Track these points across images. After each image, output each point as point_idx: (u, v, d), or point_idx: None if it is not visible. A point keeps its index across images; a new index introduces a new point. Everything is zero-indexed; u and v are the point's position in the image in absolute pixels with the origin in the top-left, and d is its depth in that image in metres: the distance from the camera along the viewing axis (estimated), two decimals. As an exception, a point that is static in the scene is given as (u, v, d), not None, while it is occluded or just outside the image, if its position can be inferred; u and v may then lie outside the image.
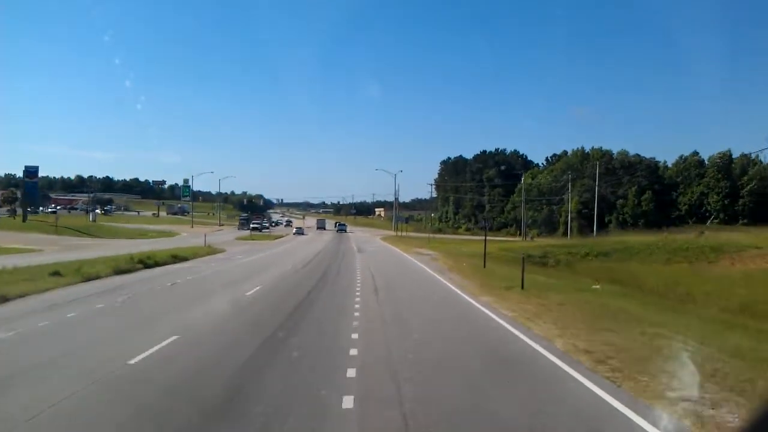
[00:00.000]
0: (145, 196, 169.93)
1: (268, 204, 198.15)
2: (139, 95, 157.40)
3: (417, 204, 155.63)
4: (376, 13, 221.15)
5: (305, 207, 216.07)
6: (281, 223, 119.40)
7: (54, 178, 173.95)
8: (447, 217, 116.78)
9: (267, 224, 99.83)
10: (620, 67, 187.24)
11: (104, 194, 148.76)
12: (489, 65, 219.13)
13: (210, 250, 37.38)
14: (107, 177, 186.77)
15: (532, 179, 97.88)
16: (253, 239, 58.82)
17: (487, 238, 35.16)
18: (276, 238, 64.74)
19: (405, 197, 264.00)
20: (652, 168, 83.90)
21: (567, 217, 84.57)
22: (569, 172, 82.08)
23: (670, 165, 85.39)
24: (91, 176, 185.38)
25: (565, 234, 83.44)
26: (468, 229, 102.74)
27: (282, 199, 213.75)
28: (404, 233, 74.31)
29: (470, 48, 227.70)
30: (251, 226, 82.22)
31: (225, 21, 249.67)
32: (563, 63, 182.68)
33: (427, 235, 78.77)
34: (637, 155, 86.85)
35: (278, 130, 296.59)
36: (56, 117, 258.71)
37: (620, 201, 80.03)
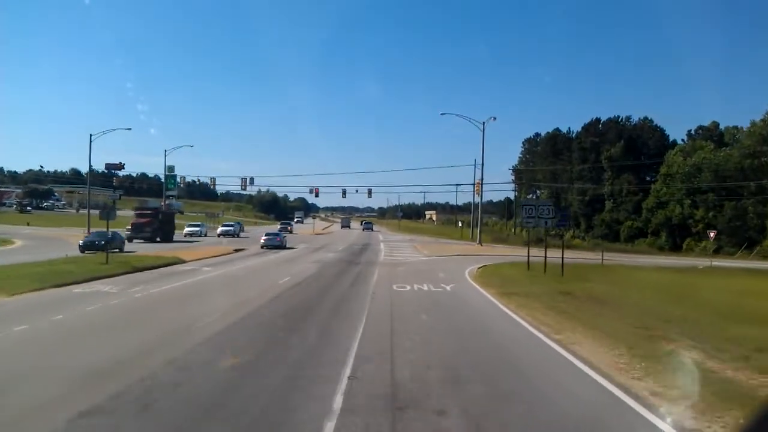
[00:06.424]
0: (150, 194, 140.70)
1: (311, 207, 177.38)
2: (139, 95, 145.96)
3: (470, 206, 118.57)
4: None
5: (350, 211, 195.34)
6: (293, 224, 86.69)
7: (48, 171, 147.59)
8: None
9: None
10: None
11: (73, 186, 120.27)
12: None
13: None
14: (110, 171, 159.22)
15: (684, 159, 61.05)
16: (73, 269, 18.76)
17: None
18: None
19: (460, 198, 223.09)
20: None
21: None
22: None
23: None
24: (94, 169, 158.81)
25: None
26: (577, 238, 65.71)
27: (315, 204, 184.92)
28: (488, 245, 38.96)
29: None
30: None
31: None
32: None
33: (594, 256, 33.93)
34: None
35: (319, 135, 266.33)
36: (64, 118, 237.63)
37: None
